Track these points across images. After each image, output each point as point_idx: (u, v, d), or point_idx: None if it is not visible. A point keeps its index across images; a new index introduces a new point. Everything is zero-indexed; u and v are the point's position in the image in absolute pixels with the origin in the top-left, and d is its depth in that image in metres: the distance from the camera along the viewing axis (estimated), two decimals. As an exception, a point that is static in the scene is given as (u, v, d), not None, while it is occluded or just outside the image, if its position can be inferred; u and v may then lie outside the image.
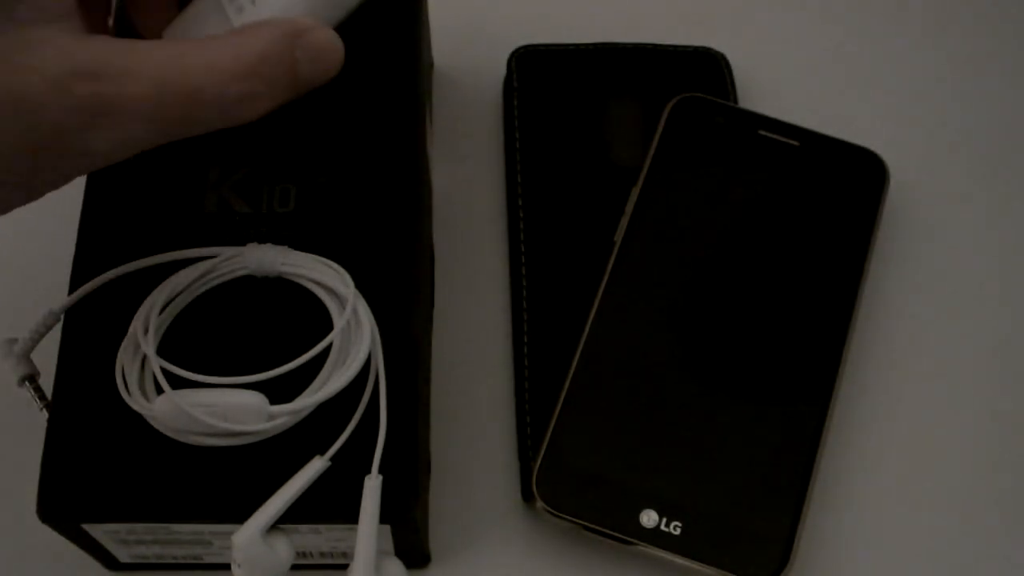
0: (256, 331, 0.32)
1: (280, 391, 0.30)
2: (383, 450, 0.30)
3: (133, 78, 0.25)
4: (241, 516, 0.30)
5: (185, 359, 0.30)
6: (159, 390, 0.30)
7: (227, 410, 0.29)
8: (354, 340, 0.31)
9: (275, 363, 0.30)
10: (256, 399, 0.29)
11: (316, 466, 0.30)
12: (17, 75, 0.24)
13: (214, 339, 0.32)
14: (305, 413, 0.30)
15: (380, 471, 0.30)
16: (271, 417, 0.29)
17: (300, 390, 0.30)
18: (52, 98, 0.24)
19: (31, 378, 0.33)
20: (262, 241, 0.32)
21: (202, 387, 0.30)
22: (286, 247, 0.32)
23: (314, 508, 0.30)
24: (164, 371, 0.30)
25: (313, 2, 0.30)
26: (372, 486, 0.30)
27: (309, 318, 0.32)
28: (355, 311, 0.31)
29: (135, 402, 0.30)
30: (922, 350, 0.40)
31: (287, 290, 0.32)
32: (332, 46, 0.28)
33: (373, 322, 0.31)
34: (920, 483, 0.38)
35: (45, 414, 0.32)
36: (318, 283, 0.32)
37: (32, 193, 0.26)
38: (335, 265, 0.31)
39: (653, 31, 0.45)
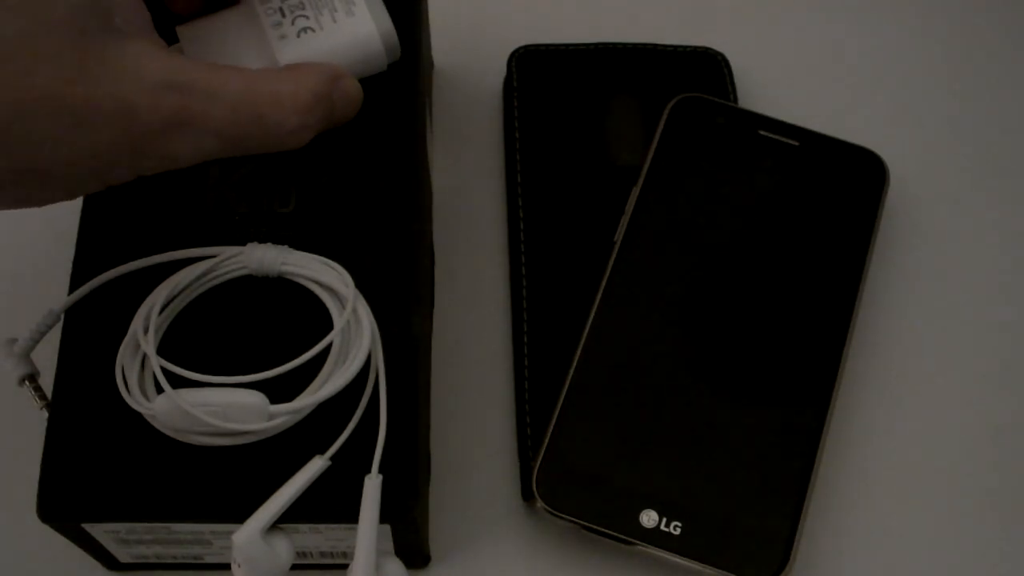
0: (256, 331, 0.32)
1: (280, 391, 0.30)
2: (383, 450, 0.30)
3: (216, 97, 0.28)
4: (241, 516, 0.30)
5: (185, 359, 0.30)
6: (159, 390, 0.30)
7: (227, 409, 0.29)
8: (354, 340, 0.31)
9: (275, 363, 0.30)
10: (256, 398, 0.29)
11: (316, 465, 0.30)
12: (122, 81, 0.27)
13: (214, 339, 0.32)
14: (305, 412, 0.30)
15: (380, 471, 0.30)
16: (271, 416, 0.29)
17: (300, 390, 0.30)
18: (147, 104, 0.27)
19: (31, 378, 0.33)
20: (262, 241, 0.32)
21: (202, 387, 0.30)
22: (286, 247, 0.32)
23: (314, 508, 0.30)
24: (164, 371, 0.30)
25: (344, 57, 0.33)
26: (372, 485, 0.30)
27: (309, 318, 0.32)
28: (355, 311, 0.31)
29: (135, 402, 0.30)
30: (922, 350, 0.40)
31: (287, 290, 0.32)
32: (359, 93, 0.32)
33: (373, 322, 0.31)
34: (920, 483, 0.38)
35: (45, 413, 0.32)
36: (318, 283, 0.32)
37: (104, 183, 0.28)
38: (335, 265, 0.31)
39: (653, 31, 0.45)
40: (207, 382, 0.29)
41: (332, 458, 0.30)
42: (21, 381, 0.33)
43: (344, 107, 0.31)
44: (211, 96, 0.28)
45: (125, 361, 0.30)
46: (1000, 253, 0.42)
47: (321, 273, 0.31)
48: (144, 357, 0.31)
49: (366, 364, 0.31)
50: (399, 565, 0.31)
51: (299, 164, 0.34)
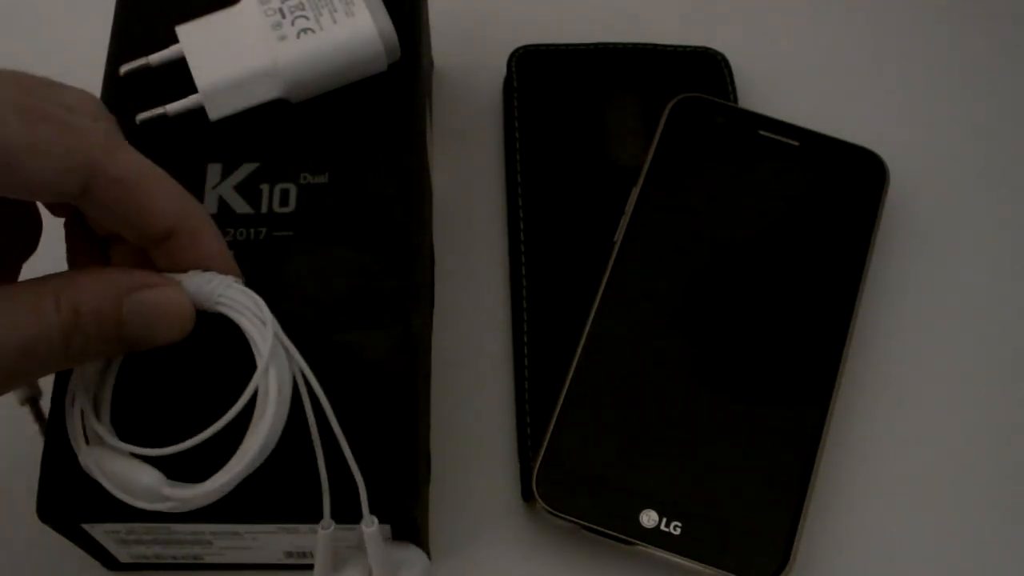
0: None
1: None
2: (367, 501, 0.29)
3: None
4: (241, 516, 0.30)
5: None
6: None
7: (125, 483, 0.29)
8: (257, 417, 0.28)
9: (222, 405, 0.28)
10: (151, 478, 0.28)
11: (325, 537, 0.30)
12: None
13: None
14: (203, 501, 0.29)
15: (379, 471, 0.30)
16: (164, 499, 0.29)
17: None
18: None
19: (32, 401, 0.32)
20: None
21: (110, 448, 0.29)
22: (229, 278, 0.29)
23: (314, 508, 0.30)
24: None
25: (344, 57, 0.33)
26: (371, 533, 0.30)
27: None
28: (266, 378, 0.28)
29: (74, 439, 0.30)
30: (922, 350, 0.40)
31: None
32: (168, 309, 0.27)
33: (285, 393, 0.29)
34: (920, 483, 0.38)
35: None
36: (246, 330, 0.29)
37: None
38: (264, 312, 0.29)
39: (653, 31, 0.45)
40: (116, 447, 0.29)
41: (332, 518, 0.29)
42: (22, 403, 0.32)
43: (146, 324, 0.27)
44: None
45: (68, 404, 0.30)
46: (1000, 253, 0.42)
47: (247, 320, 0.29)
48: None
49: (297, 416, 0.29)
50: (418, 554, 0.31)
51: (299, 164, 0.34)
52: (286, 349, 0.29)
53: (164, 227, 0.27)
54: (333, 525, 0.30)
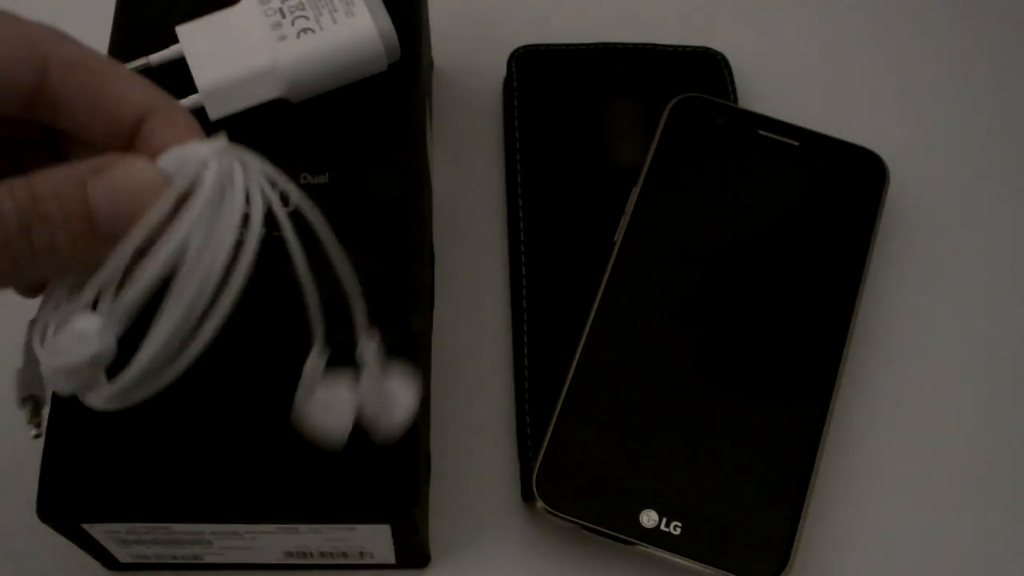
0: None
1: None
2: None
3: None
4: (241, 516, 0.30)
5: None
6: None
7: (62, 341, 0.25)
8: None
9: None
10: (86, 323, 0.24)
11: (315, 360, 0.26)
12: None
13: None
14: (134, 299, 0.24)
15: (379, 471, 0.30)
16: (99, 343, 0.24)
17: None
18: None
19: (34, 401, 0.29)
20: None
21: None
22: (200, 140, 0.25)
23: (314, 508, 0.30)
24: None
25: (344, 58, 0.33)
26: (370, 350, 0.26)
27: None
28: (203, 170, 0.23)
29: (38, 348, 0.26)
30: (922, 350, 0.40)
31: None
32: (136, 181, 0.24)
33: (231, 203, 0.24)
34: (920, 483, 0.38)
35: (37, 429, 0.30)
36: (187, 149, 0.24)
37: None
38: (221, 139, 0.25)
39: (653, 31, 0.45)
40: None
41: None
42: (21, 403, 0.29)
43: (114, 202, 0.23)
44: None
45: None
46: (1000, 252, 0.42)
47: (196, 144, 0.24)
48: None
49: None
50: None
51: (299, 164, 0.34)
52: (244, 166, 0.25)
53: (135, 109, 0.25)
54: (328, 353, 0.27)
